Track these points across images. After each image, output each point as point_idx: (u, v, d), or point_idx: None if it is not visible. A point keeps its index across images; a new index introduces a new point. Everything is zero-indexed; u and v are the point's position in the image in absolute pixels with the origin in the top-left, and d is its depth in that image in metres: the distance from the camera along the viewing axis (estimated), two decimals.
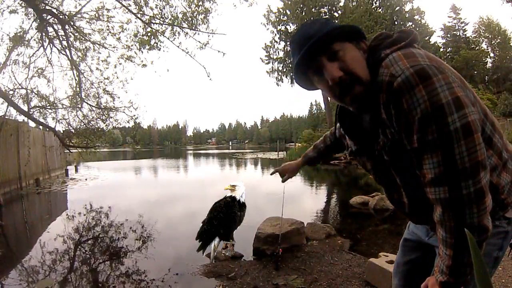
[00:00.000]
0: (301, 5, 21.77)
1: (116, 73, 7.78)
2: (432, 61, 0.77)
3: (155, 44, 6.58)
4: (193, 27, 6.44)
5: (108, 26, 6.90)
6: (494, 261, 0.91)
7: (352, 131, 1.01)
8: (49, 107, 7.71)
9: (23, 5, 6.24)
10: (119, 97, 8.07)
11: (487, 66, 35.75)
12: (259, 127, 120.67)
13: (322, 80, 0.87)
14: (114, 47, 7.17)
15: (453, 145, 0.73)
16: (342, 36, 0.85)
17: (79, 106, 7.99)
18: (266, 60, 24.04)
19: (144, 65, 6.87)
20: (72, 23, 6.88)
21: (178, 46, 6.54)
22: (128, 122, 8.10)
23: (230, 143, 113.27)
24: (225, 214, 3.35)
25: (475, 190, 0.73)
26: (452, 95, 0.73)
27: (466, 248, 0.77)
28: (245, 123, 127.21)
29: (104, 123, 8.37)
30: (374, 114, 0.86)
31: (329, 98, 20.77)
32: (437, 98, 0.72)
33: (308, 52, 0.83)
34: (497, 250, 0.90)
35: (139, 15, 6.47)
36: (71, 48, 7.17)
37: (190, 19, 6.43)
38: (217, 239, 3.35)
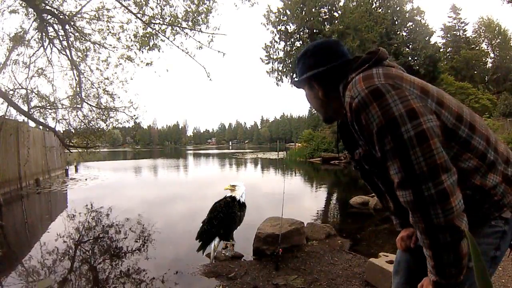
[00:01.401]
0: (301, 5, 21.72)
1: (116, 73, 7.80)
2: (388, 79, 0.86)
3: (154, 46, 6.57)
4: (194, 27, 6.43)
5: (108, 26, 6.91)
6: (492, 260, 0.92)
7: (345, 144, 1.13)
8: (49, 107, 7.70)
9: (23, 5, 6.23)
10: (119, 97, 8.08)
11: (487, 66, 35.76)
12: (259, 127, 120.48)
13: None
14: (114, 47, 7.18)
15: (409, 152, 0.80)
16: (309, 80, 1.05)
17: (79, 106, 7.98)
18: (266, 60, 24.00)
19: (148, 64, 6.87)
20: (72, 23, 6.87)
21: (178, 47, 6.53)
22: (128, 122, 8.11)
23: (230, 143, 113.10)
24: (225, 214, 3.35)
25: (436, 191, 0.78)
26: (406, 107, 0.81)
27: (442, 248, 0.81)
28: (245, 123, 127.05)
29: (104, 123, 8.37)
30: (349, 130, 0.97)
31: None
32: (390, 112, 0.81)
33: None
34: (493, 249, 0.91)
35: (139, 15, 6.47)
36: (71, 48, 7.16)
37: (190, 19, 6.43)
38: (217, 239, 3.35)
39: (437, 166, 0.79)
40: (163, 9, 6.44)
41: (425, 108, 0.83)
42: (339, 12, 22.33)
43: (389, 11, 23.07)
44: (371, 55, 0.96)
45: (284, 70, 22.92)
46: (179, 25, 6.47)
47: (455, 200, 0.79)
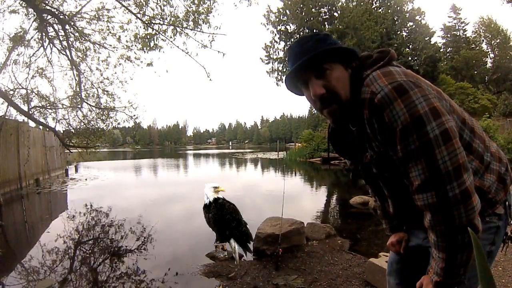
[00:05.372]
0: (301, 5, 21.75)
1: (116, 73, 7.79)
2: (409, 76, 0.84)
3: (154, 46, 6.57)
4: (194, 27, 6.44)
5: (108, 26, 6.90)
6: (488, 255, 0.95)
7: (341, 149, 1.08)
8: (49, 107, 7.70)
9: (23, 5, 6.23)
10: (119, 97, 8.08)
11: (487, 66, 35.77)
12: (259, 127, 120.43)
13: (307, 91, 0.95)
14: (114, 47, 7.18)
15: (435, 151, 0.78)
16: (333, 57, 0.91)
17: (79, 106, 7.98)
18: (266, 60, 24.04)
19: (148, 65, 6.86)
20: (72, 23, 6.88)
21: (178, 47, 6.53)
22: (127, 122, 8.11)
23: (230, 143, 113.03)
24: (220, 216, 3.23)
25: (460, 191, 0.78)
26: (429, 105, 0.80)
27: (458, 249, 0.81)
28: (245, 123, 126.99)
29: (104, 123, 8.37)
30: (360, 129, 0.92)
31: None
32: (415, 110, 0.79)
33: (299, 67, 0.91)
34: (489, 244, 0.94)
35: (139, 15, 6.47)
36: (71, 48, 7.16)
37: (191, 19, 6.43)
38: (232, 240, 3.22)
39: (460, 166, 0.78)
40: (164, 9, 6.44)
41: (444, 107, 0.83)
42: (339, 12, 22.35)
43: (389, 11, 23.09)
44: (384, 54, 0.94)
45: (284, 70, 22.93)
46: (180, 25, 6.47)
47: (475, 200, 0.80)
